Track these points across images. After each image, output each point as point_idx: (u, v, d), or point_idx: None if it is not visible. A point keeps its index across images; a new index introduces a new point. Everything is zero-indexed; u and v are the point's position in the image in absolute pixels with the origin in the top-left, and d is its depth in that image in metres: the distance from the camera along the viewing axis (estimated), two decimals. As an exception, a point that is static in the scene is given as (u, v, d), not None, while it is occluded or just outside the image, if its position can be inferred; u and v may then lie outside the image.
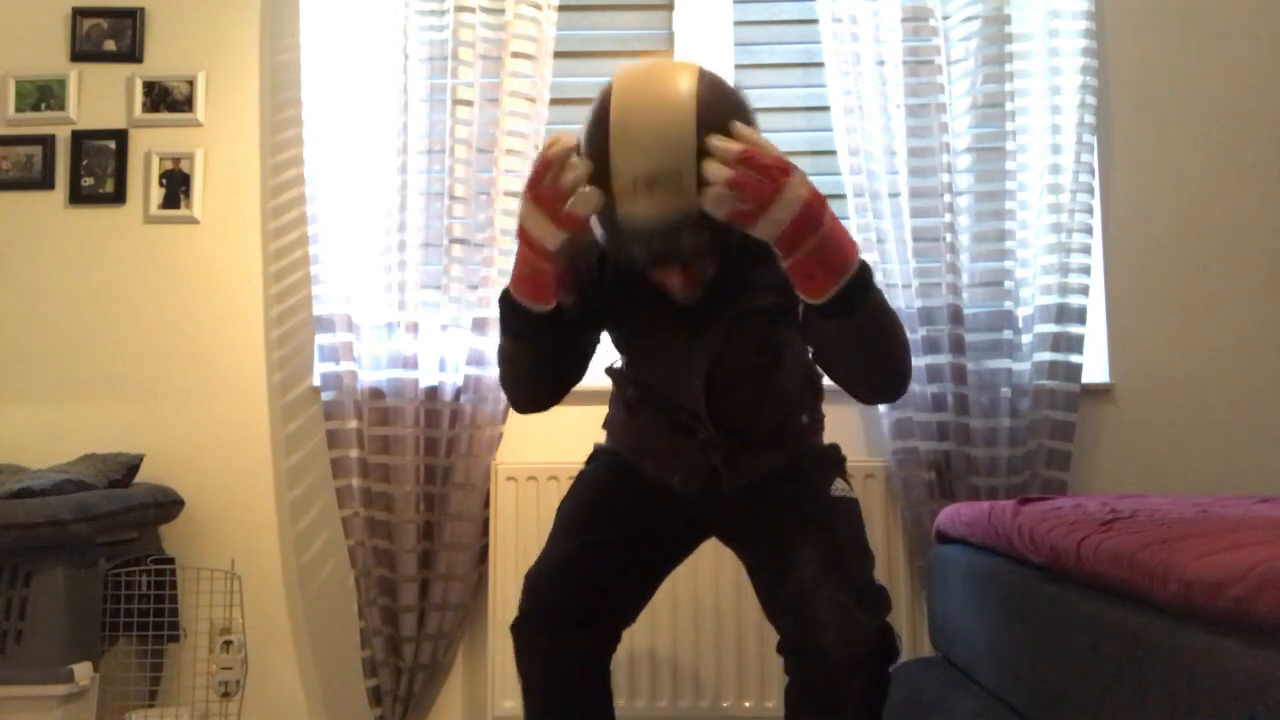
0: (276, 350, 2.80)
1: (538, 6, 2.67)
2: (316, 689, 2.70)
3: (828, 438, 1.71)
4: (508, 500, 2.59)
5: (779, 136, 2.83)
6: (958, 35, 2.69)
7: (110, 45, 2.85)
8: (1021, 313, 2.64)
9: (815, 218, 1.20)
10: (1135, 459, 2.68)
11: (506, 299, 1.40)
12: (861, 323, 1.29)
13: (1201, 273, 2.72)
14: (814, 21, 2.70)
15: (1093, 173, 2.66)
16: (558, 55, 2.71)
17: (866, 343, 1.33)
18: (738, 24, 2.85)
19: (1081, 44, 2.65)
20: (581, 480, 1.68)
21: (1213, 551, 1.12)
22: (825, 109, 2.70)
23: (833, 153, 2.69)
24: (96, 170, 2.82)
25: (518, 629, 1.52)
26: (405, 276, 2.66)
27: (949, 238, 2.61)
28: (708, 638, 2.54)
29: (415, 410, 2.62)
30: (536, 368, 1.48)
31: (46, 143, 2.82)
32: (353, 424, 2.63)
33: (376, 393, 2.64)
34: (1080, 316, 2.61)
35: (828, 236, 1.21)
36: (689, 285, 1.39)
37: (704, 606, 2.54)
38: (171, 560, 2.61)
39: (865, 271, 1.27)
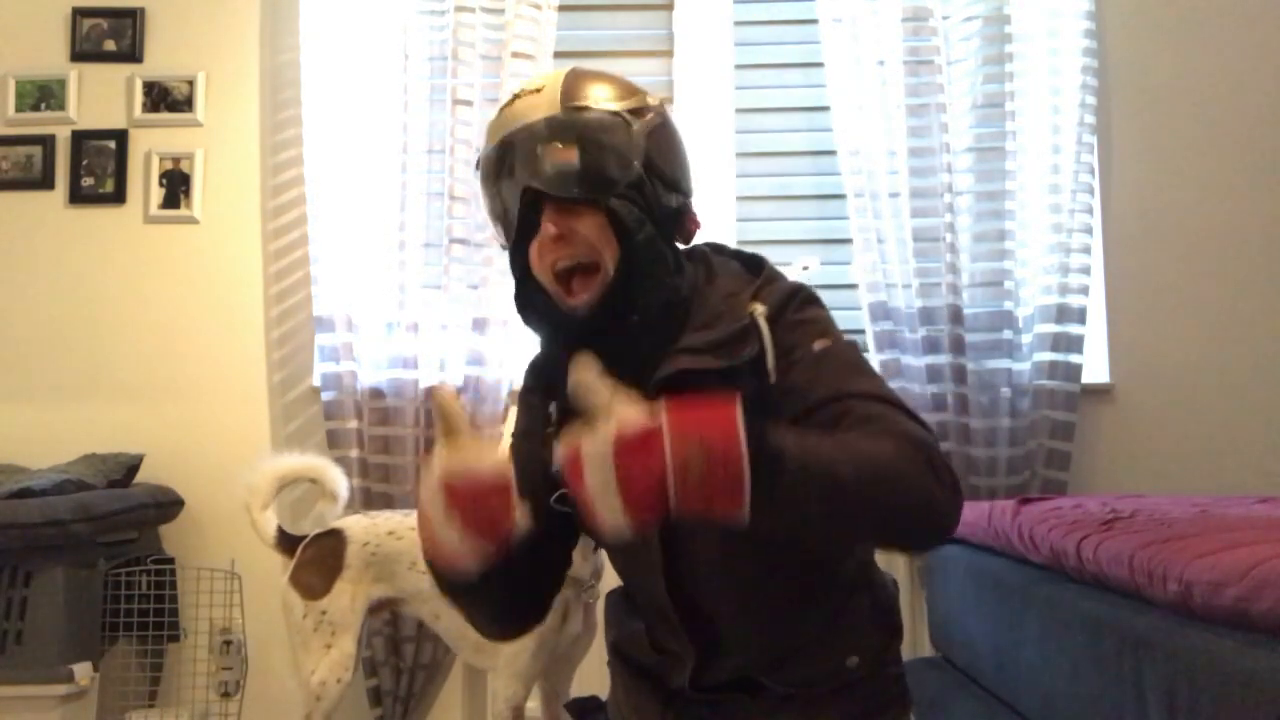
0: (276, 350, 2.80)
1: (538, 6, 2.67)
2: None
3: None
4: (508, 500, 2.59)
5: (779, 137, 2.83)
6: (958, 35, 2.69)
7: (110, 45, 2.85)
8: (1021, 313, 2.64)
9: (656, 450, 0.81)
10: (1135, 459, 2.68)
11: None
12: (799, 496, 0.88)
13: (1201, 273, 2.72)
14: (814, 21, 2.70)
15: (1093, 173, 2.66)
16: (558, 55, 2.71)
17: (828, 507, 0.91)
18: (738, 24, 2.85)
19: (1081, 44, 2.65)
20: None
21: (1213, 551, 1.12)
22: (825, 109, 2.70)
23: (833, 153, 2.69)
24: (96, 170, 2.81)
25: None
26: (405, 276, 2.66)
27: (949, 238, 2.61)
28: None
29: (415, 410, 2.62)
30: (495, 613, 1.17)
31: (46, 143, 2.82)
32: (353, 424, 2.63)
33: (376, 393, 2.64)
34: (1080, 316, 2.61)
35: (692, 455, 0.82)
36: (584, 290, 1.11)
37: None
38: (171, 560, 2.61)
39: (760, 450, 0.84)
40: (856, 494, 0.91)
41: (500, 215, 1.17)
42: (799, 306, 1.13)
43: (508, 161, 1.13)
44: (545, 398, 1.20)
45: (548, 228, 1.09)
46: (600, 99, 1.12)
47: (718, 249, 1.25)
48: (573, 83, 1.13)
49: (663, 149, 1.14)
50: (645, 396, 1.02)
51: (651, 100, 1.16)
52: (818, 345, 1.09)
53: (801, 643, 1.12)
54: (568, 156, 1.10)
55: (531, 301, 1.17)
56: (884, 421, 0.98)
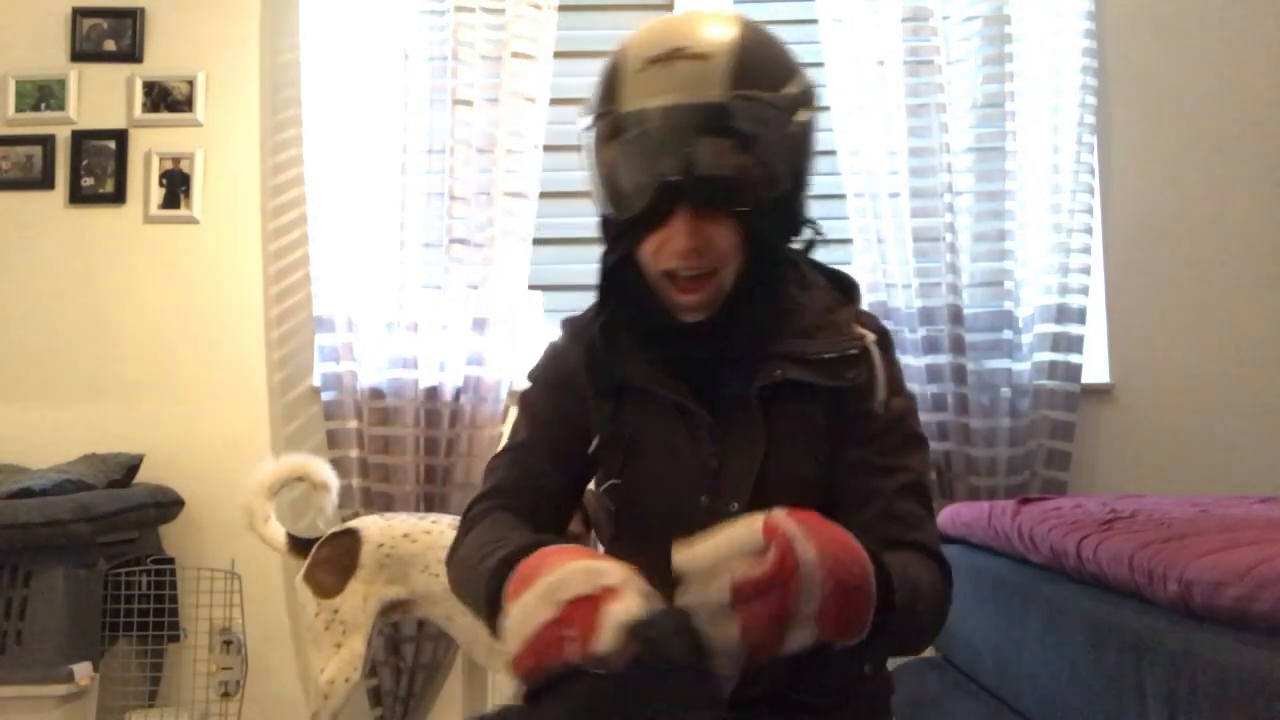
0: (276, 350, 2.80)
1: (538, 6, 2.67)
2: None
3: None
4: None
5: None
6: (958, 35, 2.69)
7: (110, 45, 2.85)
8: (1021, 313, 2.64)
9: (841, 583, 0.84)
10: (1135, 459, 2.68)
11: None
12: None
13: (1201, 273, 2.72)
14: (814, 21, 2.70)
15: (1093, 173, 2.66)
16: (558, 55, 2.71)
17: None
18: (738, 24, 2.85)
19: (1081, 44, 2.65)
20: None
21: (1213, 551, 1.12)
22: (825, 109, 2.70)
23: (833, 153, 2.69)
24: (96, 170, 2.81)
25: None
26: (405, 276, 2.66)
27: (949, 238, 2.61)
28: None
29: (415, 410, 2.62)
30: None
31: (46, 143, 2.82)
32: (353, 424, 2.63)
33: (376, 393, 2.64)
34: (1080, 316, 2.61)
35: (846, 590, 0.85)
36: (697, 291, 1.05)
37: None
38: (171, 560, 2.61)
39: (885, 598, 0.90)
40: (918, 633, 1.04)
41: (605, 177, 1.05)
42: (887, 349, 1.13)
43: (642, 130, 1.00)
44: (591, 367, 1.13)
45: (685, 239, 1.00)
46: (770, 83, 1.00)
47: (803, 255, 1.20)
48: (744, 59, 0.99)
49: (809, 150, 1.07)
50: (740, 394, 1.08)
51: (810, 81, 1.05)
52: (896, 404, 1.10)
53: (836, 650, 1.07)
54: (724, 159, 0.99)
55: (619, 279, 1.08)
56: (924, 535, 1.07)
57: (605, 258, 1.10)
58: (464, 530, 1.12)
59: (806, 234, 1.13)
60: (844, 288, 1.18)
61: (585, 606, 0.79)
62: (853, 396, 1.09)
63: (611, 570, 0.82)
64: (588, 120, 1.07)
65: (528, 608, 0.81)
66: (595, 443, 1.13)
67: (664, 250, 1.02)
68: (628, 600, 0.79)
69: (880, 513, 1.07)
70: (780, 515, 0.83)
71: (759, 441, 1.08)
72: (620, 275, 1.09)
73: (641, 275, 1.07)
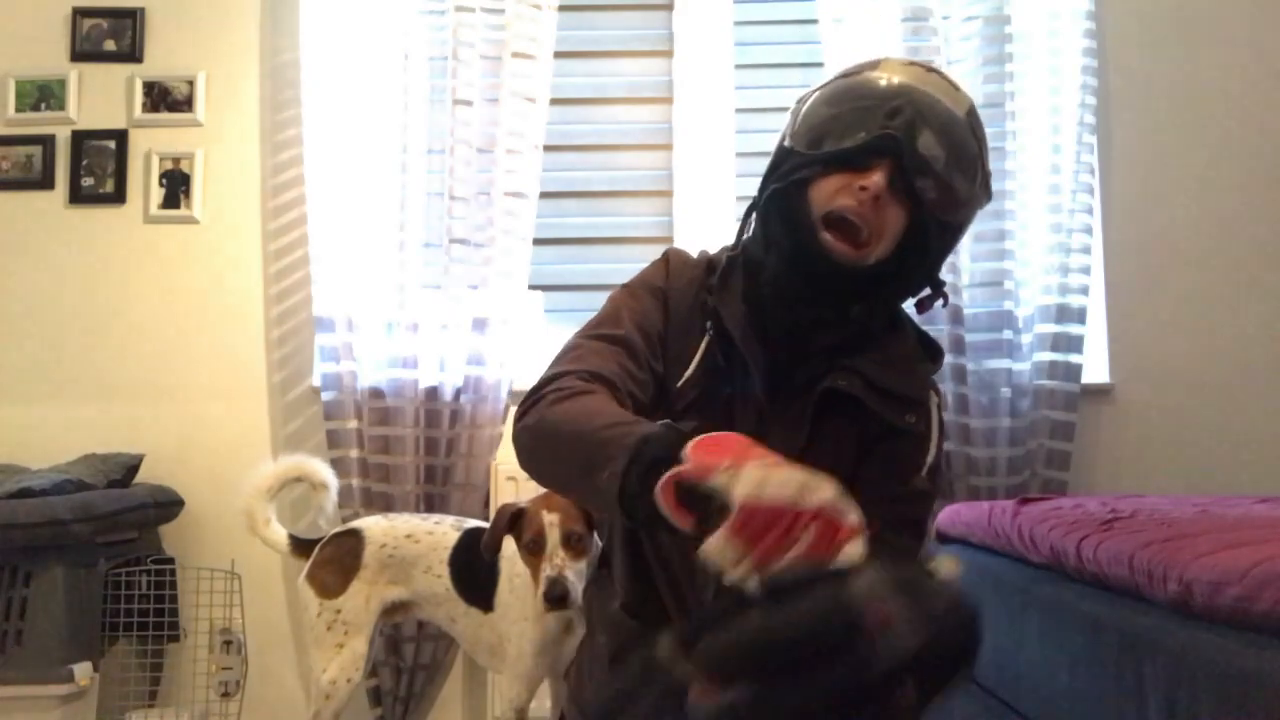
0: (276, 350, 2.80)
1: (538, 6, 2.67)
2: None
3: None
4: (508, 500, 2.59)
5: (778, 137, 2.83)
6: (958, 35, 2.69)
7: (110, 45, 2.85)
8: (1021, 313, 2.64)
9: None
10: (1135, 459, 2.68)
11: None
12: None
13: (1201, 273, 2.72)
14: (814, 21, 2.70)
15: (1093, 173, 2.66)
16: (558, 55, 2.71)
17: None
18: (738, 24, 2.85)
19: (1082, 44, 2.65)
20: None
21: (1213, 551, 1.12)
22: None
23: (833, 153, 2.68)
24: (96, 170, 2.81)
25: None
26: (405, 276, 2.66)
27: (949, 238, 2.60)
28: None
29: (415, 410, 2.62)
30: None
31: (46, 143, 2.82)
32: (353, 424, 2.63)
33: (376, 393, 2.64)
34: (1080, 316, 2.61)
35: None
36: (848, 241, 1.12)
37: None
38: (171, 560, 2.61)
39: None
40: None
41: (823, 120, 1.16)
42: (943, 426, 1.20)
43: (890, 94, 1.13)
44: (705, 296, 1.19)
45: (874, 185, 1.09)
46: (981, 146, 1.21)
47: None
48: (976, 115, 1.22)
49: (964, 229, 1.25)
50: (802, 388, 1.14)
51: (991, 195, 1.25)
52: (920, 482, 1.14)
53: None
54: (938, 155, 1.14)
55: (779, 210, 1.17)
56: None
57: (776, 183, 1.18)
58: (554, 398, 1.06)
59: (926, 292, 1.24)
60: (930, 348, 1.26)
61: (827, 523, 0.81)
62: (892, 450, 1.12)
63: (855, 511, 0.84)
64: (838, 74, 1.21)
65: (777, 481, 0.81)
66: (688, 374, 1.16)
67: (846, 190, 1.10)
68: (860, 547, 0.82)
69: None
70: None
71: (798, 441, 1.11)
72: (776, 208, 1.17)
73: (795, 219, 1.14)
